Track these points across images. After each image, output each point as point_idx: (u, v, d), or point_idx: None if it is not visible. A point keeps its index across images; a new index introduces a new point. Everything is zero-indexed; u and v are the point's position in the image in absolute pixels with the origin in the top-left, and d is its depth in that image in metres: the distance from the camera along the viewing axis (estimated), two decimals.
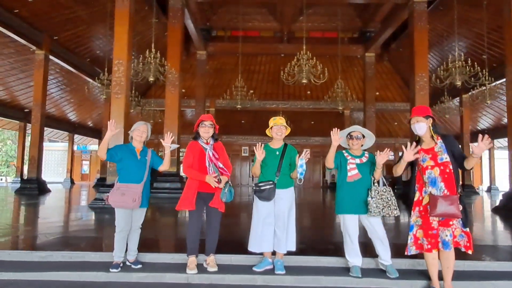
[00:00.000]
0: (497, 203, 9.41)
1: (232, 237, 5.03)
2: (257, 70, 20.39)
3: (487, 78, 11.59)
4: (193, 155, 3.53)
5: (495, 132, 19.34)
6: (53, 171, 29.34)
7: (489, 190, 20.90)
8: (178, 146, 11.28)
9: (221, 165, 3.52)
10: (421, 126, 3.12)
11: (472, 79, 10.69)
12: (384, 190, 3.33)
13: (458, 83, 10.60)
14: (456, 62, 10.55)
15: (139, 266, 3.54)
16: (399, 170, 3.19)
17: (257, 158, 3.43)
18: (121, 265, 3.51)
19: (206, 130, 3.55)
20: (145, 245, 3.90)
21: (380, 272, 3.47)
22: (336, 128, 3.38)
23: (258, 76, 20.50)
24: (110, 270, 3.41)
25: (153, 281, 3.32)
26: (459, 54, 10.90)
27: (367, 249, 3.67)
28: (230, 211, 3.64)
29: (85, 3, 12.57)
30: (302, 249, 3.95)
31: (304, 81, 10.55)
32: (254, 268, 3.49)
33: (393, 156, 22.42)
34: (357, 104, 17.73)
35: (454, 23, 11.78)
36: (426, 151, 3.14)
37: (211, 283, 3.30)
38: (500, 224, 7.16)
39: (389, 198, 3.30)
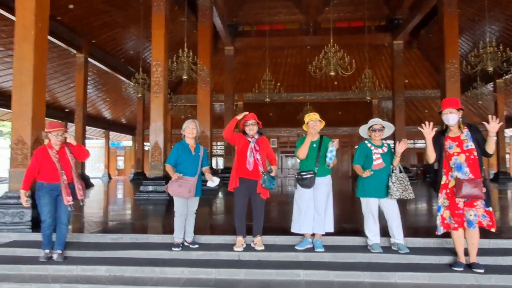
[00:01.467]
0: None
1: (274, 221, 5.51)
2: (283, 63, 20.62)
3: None
4: (238, 145, 4.01)
5: None
6: (91, 166, 30.93)
7: None
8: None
9: (258, 157, 3.95)
10: (454, 117, 3.42)
11: (505, 64, 10.52)
12: (402, 176, 3.78)
13: (490, 69, 10.47)
14: (488, 47, 10.41)
15: (196, 246, 4.07)
16: (429, 153, 3.50)
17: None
18: (181, 245, 4.05)
19: (251, 128, 4.00)
20: (199, 229, 4.44)
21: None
22: (367, 171, 3.80)
23: (284, 68, 20.73)
24: (173, 249, 3.98)
25: (210, 258, 3.85)
26: (490, 38, 10.75)
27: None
28: (268, 199, 4.11)
29: (121, 7, 13.28)
30: (339, 231, 4.35)
31: (332, 73, 10.75)
32: (296, 247, 3.95)
33: (424, 144, 22.14)
34: (385, 93, 17.64)
35: (485, 7, 11.56)
36: (453, 139, 3.45)
37: (259, 260, 3.79)
38: None
39: (406, 183, 3.75)
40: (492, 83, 16.70)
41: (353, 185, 16.48)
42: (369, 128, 3.99)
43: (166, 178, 8.13)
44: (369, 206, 3.90)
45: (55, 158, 3.84)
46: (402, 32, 15.98)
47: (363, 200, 3.96)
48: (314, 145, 3.99)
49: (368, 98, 15.97)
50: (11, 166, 5.12)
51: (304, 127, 4.08)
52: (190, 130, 4.14)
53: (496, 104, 17.34)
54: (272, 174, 3.93)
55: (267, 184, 3.88)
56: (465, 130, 3.43)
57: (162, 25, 9.02)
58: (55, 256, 3.85)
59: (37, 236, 4.56)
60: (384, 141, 4.00)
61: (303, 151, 3.96)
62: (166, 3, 9.28)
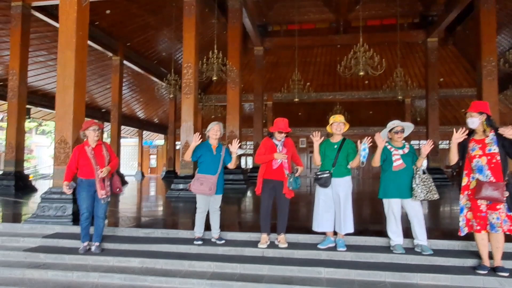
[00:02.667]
0: None
1: (298, 220, 5.63)
2: (313, 62, 20.54)
3: None
4: (265, 149, 4.17)
5: None
6: (125, 164, 32.16)
7: None
8: (244, 151, 12.01)
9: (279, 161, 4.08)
10: (473, 121, 3.45)
11: None
12: (426, 177, 3.77)
13: None
14: None
15: (223, 241, 4.27)
16: (451, 155, 3.54)
17: (315, 143, 4.01)
18: (202, 239, 4.28)
19: (281, 136, 4.16)
20: (225, 226, 4.65)
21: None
22: (377, 133, 3.86)
23: (314, 68, 20.65)
24: (194, 243, 4.23)
25: (235, 254, 4.04)
26: None
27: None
28: (295, 198, 4.25)
29: (154, 11, 13.79)
30: (362, 231, 4.42)
31: (361, 73, 10.66)
32: (318, 246, 4.06)
33: None
34: (418, 91, 17.16)
35: None
36: (477, 141, 3.45)
37: (282, 257, 3.93)
38: None
39: (430, 184, 3.74)
40: None
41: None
42: (390, 131, 4.01)
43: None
44: (391, 207, 3.94)
45: (91, 154, 4.14)
46: (436, 29, 15.47)
47: (385, 201, 4.01)
48: (335, 146, 4.08)
49: (400, 97, 15.63)
50: (55, 164, 5.55)
51: (328, 128, 4.17)
52: (214, 131, 4.36)
53: None
54: (297, 174, 4.07)
55: (293, 185, 4.03)
56: (491, 134, 3.42)
57: (193, 28, 9.32)
58: (93, 248, 4.17)
59: (77, 229, 4.92)
60: (406, 142, 4.00)
61: (315, 159, 4.12)
62: (197, 6, 9.57)
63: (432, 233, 4.10)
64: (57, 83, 5.57)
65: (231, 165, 4.39)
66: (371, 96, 19.97)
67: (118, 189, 4.33)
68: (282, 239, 4.12)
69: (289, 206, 4.20)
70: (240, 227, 5.38)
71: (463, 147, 3.52)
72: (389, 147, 3.99)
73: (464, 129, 3.49)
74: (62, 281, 3.69)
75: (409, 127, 4.03)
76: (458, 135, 3.46)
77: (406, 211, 3.93)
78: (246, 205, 8.09)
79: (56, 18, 10.40)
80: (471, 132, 3.55)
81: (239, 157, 12.32)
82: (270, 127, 4.27)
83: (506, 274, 3.26)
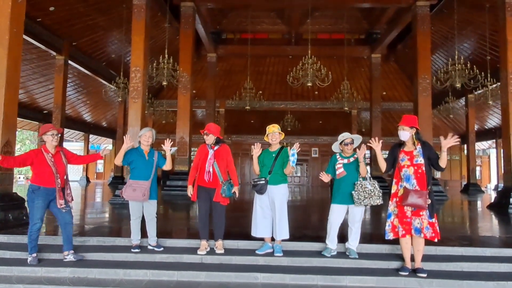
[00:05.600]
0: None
1: (239, 226, 5.67)
2: (265, 71, 20.94)
3: (489, 80, 11.98)
4: (199, 156, 4.22)
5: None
6: (69, 169, 30.38)
7: (496, 188, 21.08)
8: (176, 148, 11.80)
9: (215, 168, 4.10)
10: (405, 134, 3.74)
11: (472, 81, 11.06)
12: (367, 184, 3.96)
13: (458, 85, 11.00)
14: (456, 64, 10.93)
15: (161, 249, 4.21)
16: (379, 163, 3.86)
17: (253, 155, 4.20)
18: (140, 247, 4.20)
19: (207, 138, 4.21)
20: (165, 233, 4.60)
21: (360, 255, 4.08)
22: (322, 172, 4.15)
23: (266, 77, 21.05)
24: (132, 250, 4.14)
25: (173, 261, 4.00)
26: (459, 56, 11.28)
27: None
28: (238, 205, 4.32)
29: (103, 11, 13.30)
30: (300, 236, 4.58)
31: (309, 84, 11.08)
32: (257, 251, 4.15)
33: None
34: (363, 104, 18.11)
35: (455, 26, 12.14)
36: (406, 153, 3.75)
37: (221, 263, 3.96)
38: (485, 219, 7.81)
39: (372, 190, 3.93)
40: (464, 97, 17.39)
41: (330, 193, 16.79)
42: (340, 143, 4.22)
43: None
44: (332, 212, 4.13)
45: (51, 162, 3.88)
46: (380, 46, 16.52)
47: (331, 207, 4.19)
48: (273, 155, 4.21)
49: (346, 108, 16.40)
50: None
51: (265, 138, 4.30)
52: (146, 138, 4.30)
53: (467, 118, 18.05)
54: (236, 194, 4.13)
55: (227, 193, 4.08)
56: (418, 147, 3.72)
57: (142, 31, 9.14)
58: (72, 257, 3.91)
59: (4, 238, 4.61)
60: (356, 152, 4.19)
61: (254, 168, 4.29)
62: (147, 9, 9.40)
63: (365, 237, 4.35)
64: None
65: (166, 167, 4.36)
66: (321, 106, 20.72)
67: (70, 201, 4.07)
68: (220, 245, 4.15)
69: (228, 213, 4.25)
70: (181, 234, 5.32)
71: (393, 157, 3.80)
72: (338, 157, 4.20)
73: (376, 138, 3.83)
74: None
75: (357, 138, 4.25)
76: (376, 143, 3.81)
77: (348, 216, 4.13)
78: (193, 212, 7.99)
79: None
80: (402, 144, 3.83)
81: (188, 161, 12.26)
82: (201, 131, 4.31)
83: (425, 275, 3.55)
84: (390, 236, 3.73)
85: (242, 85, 16.29)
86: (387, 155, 3.90)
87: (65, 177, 4.02)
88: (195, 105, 17.65)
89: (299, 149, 4.08)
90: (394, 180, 3.79)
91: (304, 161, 25.20)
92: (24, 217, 5.39)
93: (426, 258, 3.81)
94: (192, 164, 4.27)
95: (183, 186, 11.76)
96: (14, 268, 3.80)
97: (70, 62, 14.54)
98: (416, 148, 3.72)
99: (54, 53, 13.85)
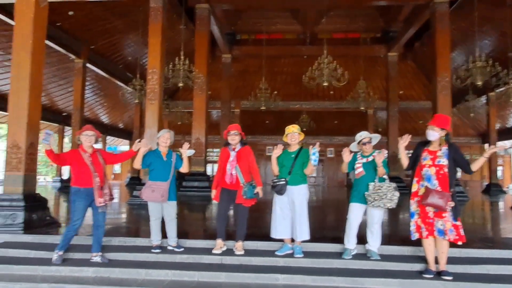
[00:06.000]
0: None
1: (257, 227, 5.67)
2: (280, 72, 20.88)
3: (511, 77, 11.64)
4: (221, 160, 4.24)
5: None
6: None
7: None
8: (193, 152, 11.87)
9: (236, 171, 4.11)
10: (433, 134, 3.64)
11: (494, 79, 10.77)
12: (382, 185, 3.88)
13: (479, 83, 10.71)
14: (477, 62, 10.66)
15: (181, 249, 4.24)
16: (401, 160, 3.84)
17: (273, 156, 4.16)
18: (161, 247, 4.24)
19: (232, 138, 4.21)
20: (184, 234, 4.63)
21: (382, 257, 4.01)
22: (346, 148, 4.08)
23: (281, 77, 20.99)
24: (152, 251, 4.18)
25: (193, 261, 4.02)
26: (480, 53, 10.99)
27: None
28: (255, 205, 4.30)
29: (120, 14, 13.52)
30: (320, 237, 4.54)
31: (325, 84, 10.99)
32: (276, 253, 4.13)
33: None
34: (380, 103, 17.88)
35: (475, 22, 11.84)
36: (430, 152, 3.66)
37: (240, 264, 3.96)
38: (507, 220, 7.64)
39: (384, 193, 3.84)
40: (485, 96, 16.97)
41: (348, 193, 16.68)
42: (358, 143, 4.17)
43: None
44: (350, 212, 4.09)
45: (88, 161, 3.95)
46: (396, 45, 16.26)
47: (349, 206, 4.14)
48: (292, 156, 4.18)
49: (362, 108, 16.21)
50: (6, 170, 5.28)
51: (284, 138, 4.27)
52: (164, 139, 4.32)
53: (488, 117, 17.60)
54: (260, 194, 4.13)
55: (248, 195, 4.07)
56: (444, 148, 3.62)
57: (159, 34, 9.22)
58: (99, 259, 3.97)
59: (28, 238, 4.73)
60: (376, 150, 4.13)
61: (273, 168, 4.24)
62: (164, 12, 9.49)
63: (385, 239, 4.28)
64: (11, 86, 5.34)
65: (183, 169, 4.38)
66: (336, 106, 20.53)
67: (112, 198, 4.13)
68: (239, 246, 4.15)
69: (248, 213, 4.24)
70: (200, 235, 5.36)
71: (416, 155, 3.72)
72: (358, 156, 4.16)
73: (407, 135, 3.76)
74: None
75: (376, 137, 4.19)
76: (402, 141, 3.74)
77: (367, 216, 4.08)
78: (210, 213, 8.04)
79: (13, 17, 9.97)
80: (427, 142, 3.74)
81: (204, 164, 12.33)
82: (224, 135, 4.31)
83: (450, 278, 3.47)
84: (416, 236, 3.66)
85: (257, 85, 16.29)
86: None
87: (104, 177, 4.06)
88: (210, 106, 17.68)
89: (319, 148, 4.05)
90: (415, 179, 3.72)
91: (319, 161, 24.85)
92: (47, 217, 5.52)
93: (450, 260, 3.71)
94: (218, 167, 4.29)
95: (199, 187, 11.89)
96: (39, 267, 3.89)
97: (88, 65, 14.85)
98: (441, 149, 3.63)
99: (73, 57, 14.16)
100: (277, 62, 20.46)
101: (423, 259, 3.83)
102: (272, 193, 4.24)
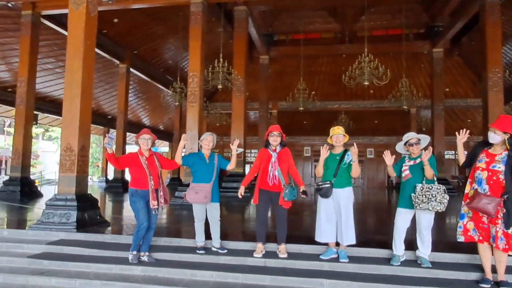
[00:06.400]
0: None
1: (300, 230, 5.62)
2: (318, 72, 20.61)
3: None
4: (261, 160, 4.22)
5: None
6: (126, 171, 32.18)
7: None
8: (242, 150, 11.98)
9: (278, 172, 4.10)
10: (495, 138, 3.42)
11: None
12: (431, 188, 3.69)
13: None
14: None
15: (225, 251, 4.28)
16: (459, 156, 3.66)
17: (321, 157, 4.05)
18: (205, 248, 4.30)
19: (274, 139, 4.19)
20: (226, 235, 4.67)
21: (434, 264, 3.82)
22: (386, 150, 3.92)
23: (319, 77, 20.71)
24: (197, 252, 4.26)
25: (237, 263, 4.04)
26: None
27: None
28: (294, 208, 4.26)
29: (161, 20, 13.98)
30: (365, 242, 4.41)
31: (366, 83, 10.70)
32: (321, 257, 4.05)
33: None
34: (424, 101, 17.15)
35: None
36: (489, 155, 3.44)
37: (284, 267, 3.93)
38: None
39: (433, 195, 3.65)
40: None
41: (389, 195, 16.14)
42: (405, 144, 4.01)
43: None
44: (397, 216, 3.95)
45: (145, 164, 4.11)
46: (442, 40, 15.52)
47: (396, 211, 4.00)
48: (337, 158, 4.09)
49: (405, 107, 15.62)
50: (60, 171, 5.60)
51: (328, 140, 4.19)
52: (207, 142, 4.40)
53: None
54: (301, 193, 4.10)
55: (289, 197, 4.04)
56: (505, 153, 3.36)
57: (199, 37, 9.43)
58: (146, 258, 4.11)
59: (81, 236, 4.98)
60: (423, 151, 3.94)
61: (319, 171, 4.13)
62: (203, 15, 9.69)
63: (437, 245, 4.07)
64: (65, 92, 5.66)
65: (230, 166, 4.42)
66: (376, 105, 19.93)
67: (166, 201, 4.24)
68: (283, 249, 4.13)
69: (288, 216, 4.21)
70: (243, 237, 5.38)
71: (474, 155, 3.53)
72: (406, 159, 4.01)
73: (464, 130, 3.59)
74: None
75: (424, 138, 3.99)
76: (461, 136, 3.58)
77: (416, 222, 3.91)
78: (250, 214, 8.08)
79: (64, 27, 10.58)
80: (489, 144, 3.51)
81: (243, 164, 12.43)
82: (265, 135, 4.30)
83: None
84: (461, 239, 3.48)
85: (295, 86, 16.19)
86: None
87: (159, 180, 4.17)
88: (248, 107, 17.82)
89: (357, 149, 3.94)
90: (469, 181, 3.54)
91: (359, 162, 24.26)
92: (98, 217, 5.79)
93: (509, 270, 3.46)
94: (251, 166, 4.29)
95: (238, 188, 11.91)
96: (92, 265, 4.08)
97: (131, 69, 15.48)
98: (501, 153, 3.37)
99: (118, 62, 14.83)
100: (314, 62, 20.22)
101: (479, 268, 3.60)
102: (316, 195, 4.16)
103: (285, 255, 4.06)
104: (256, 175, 4.33)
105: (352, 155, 3.94)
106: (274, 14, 17.00)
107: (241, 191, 4.28)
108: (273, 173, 4.09)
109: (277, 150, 4.19)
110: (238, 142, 4.42)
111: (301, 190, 4.09)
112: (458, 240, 3.49)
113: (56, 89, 15.83)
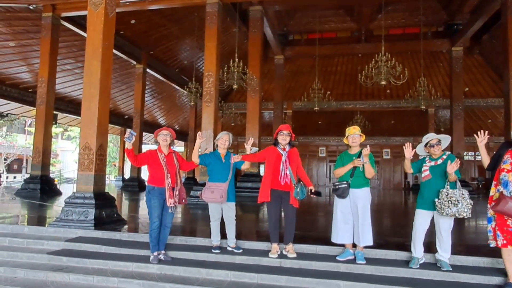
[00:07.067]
0: None
1: (315, 230, 5.56)
2: (333, 71, 20.45)
3: None
4: (269, 157, 4.16)
5: None
6: (144, 170, 32.63)
7: None
8: (257, 149, 11.95)
9: (289, 171, 4.06)
10: None
11: None
12: (455, 193, 3.56)
13: None
14: None
15: (240, 251, 4.27)
16: (482, 159, 3.57)
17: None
18: (220, 247, 4.31)
19: (284, 138, 4.15)
20: (241, 235, 4.68)
21: (454, 267, 3.72)
22: (408, 143, 3.81)
23: (334, 77, 20.53)
24: (212, 251, 4.27)
25: (253, 263, 4.03)
26: None
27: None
28: (308, 208, 4.22)
29: (177, 20, 14.10)
30: (382, 244, 4.33)
31: (383, 82, 10.54)
32: (337, 258, 4.00)
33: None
34: (442, 101, 16.79)
35: None
36: None
37: (300, 268, 3.89)
38: None
39: (458, 201, 3.52)
40: None
41: (406, 197, 15.87)
42: (425, 145, 3.92)
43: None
44: (416, 218, 3.86)
45: (163, 161, 4.13)
46: (462, 38, 15.16)
47: (415, 212, 3.92)
48: (354, 158, 4.02)
49: (423, 107, 15.32)
50: (79, 170, 5.71)
51: (344, 140, 4.13)
52: (223, 141, 4.39)
53: None
54: (316, 194, 4.09)
55: (300, 196, 4.01)
56: None
57: (215, 38, 9.46)
58: (162, 257, 4.13)
59: (98, 233, 5.06)
60: (445, 152, 3.86)
61: (340, 172, 4.05)
62: (219, 16, 9.73)
63: (457, 248, 3.97)
64: (83, 92, 5.76)
65: (245, 165, 4.40)
66: (393, 105, 19.62)
67: (183, 200, 4.27)
68: (291, 249, 4.10)
69: (303, 216, 4.18)
70: (258, 236, 5.37)
71: (498, 156, 3.42)
72: (426, 159, 3.92)
73: (483, 132, 3.48)
74: (82, 284, 3.77)
75: (445, 139, 3.88)
76: (481, 138, 3.48)
77: (435, 224, 3.82)
78: (264, 214, 8.06)
79: (83, 28, 10.81)
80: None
81: (257, 163, 12.40)
82: (275, 134, 4.25)
83: None
84: (493, 244, 3.37)
85: (310, 86, 16.08)
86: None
87: (176, 178, 4.17)
88: (263, 107, 17.76)
89: (369, 151, 3.87)
90: (494, 183, 3.42)
91: (375, 163, 24.11)
92: (115, 215, 5.87)
93: None
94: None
95: (252, 187, 11.96)
96: (109, 262, 4.14)
97: (148, 70, 15.66)
98: None
99: (134, 62, 15.03)
100: (330, 61, 20.08)
101: (502, 272, 3.49)
102: (332, 195, 4.11)
103: (294, 255, 4.03)
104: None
105: (363, 156, 3.87)
106: (289, 13, 16.93)
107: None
108: (285, 172, 4.06)
109: (287, 149, 4.16)
110: (252, 140, 4.41)
111: (312, 190, 4.06)
112: (491, 245, 3.38)
113: (75, 89, 16.16)
